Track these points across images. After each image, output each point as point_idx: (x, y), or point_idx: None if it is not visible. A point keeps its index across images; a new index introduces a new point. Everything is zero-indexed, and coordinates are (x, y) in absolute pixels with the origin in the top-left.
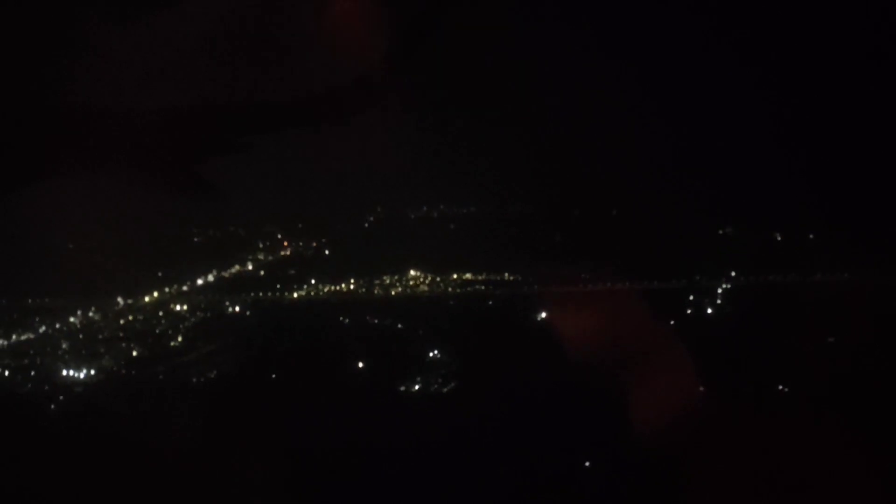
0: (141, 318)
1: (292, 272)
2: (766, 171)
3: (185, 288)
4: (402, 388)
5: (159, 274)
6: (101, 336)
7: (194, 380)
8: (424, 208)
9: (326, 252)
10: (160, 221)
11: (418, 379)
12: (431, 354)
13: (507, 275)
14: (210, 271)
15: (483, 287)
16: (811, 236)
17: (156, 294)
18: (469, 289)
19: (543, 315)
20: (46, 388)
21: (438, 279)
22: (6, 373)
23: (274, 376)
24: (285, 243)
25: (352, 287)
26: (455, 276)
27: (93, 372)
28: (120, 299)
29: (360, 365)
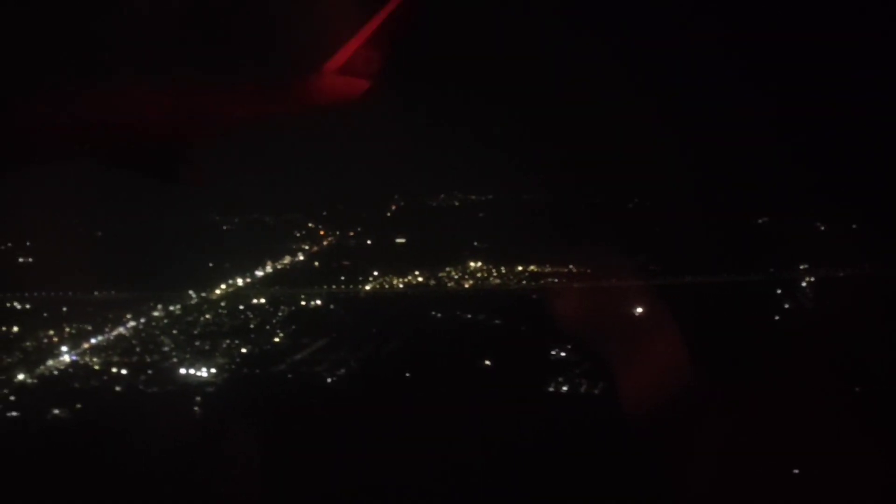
0: (224, 312)
1: (346, 262)
2: (802, 161)
3: (248, 280)
4: (551, 389)
5: (210, 264)
6: (195, 331)
7: (328, 379)
8: (442, 196)
9: (368, 242)
10: (186, 212)
11: (560, 379)
12: (553, 353)
13: (572, 267)
14: (265, 263)
15: (556, 280)
16: (854, 226)
17: (223, 287)
18: (542, 282)
19: (640, 310)
20: (171, 387)
21: (504, 270)
22: (122, 371)
23: (408, 375)
24: (322, 233)
25: (419, 279)
26: (520, 267)
27: (213, 370)
28: (192, 293)
29: (488, 363)
